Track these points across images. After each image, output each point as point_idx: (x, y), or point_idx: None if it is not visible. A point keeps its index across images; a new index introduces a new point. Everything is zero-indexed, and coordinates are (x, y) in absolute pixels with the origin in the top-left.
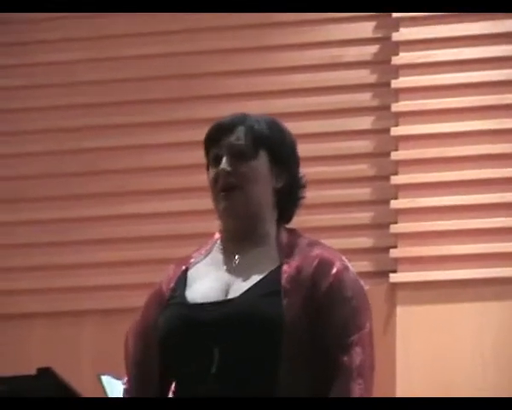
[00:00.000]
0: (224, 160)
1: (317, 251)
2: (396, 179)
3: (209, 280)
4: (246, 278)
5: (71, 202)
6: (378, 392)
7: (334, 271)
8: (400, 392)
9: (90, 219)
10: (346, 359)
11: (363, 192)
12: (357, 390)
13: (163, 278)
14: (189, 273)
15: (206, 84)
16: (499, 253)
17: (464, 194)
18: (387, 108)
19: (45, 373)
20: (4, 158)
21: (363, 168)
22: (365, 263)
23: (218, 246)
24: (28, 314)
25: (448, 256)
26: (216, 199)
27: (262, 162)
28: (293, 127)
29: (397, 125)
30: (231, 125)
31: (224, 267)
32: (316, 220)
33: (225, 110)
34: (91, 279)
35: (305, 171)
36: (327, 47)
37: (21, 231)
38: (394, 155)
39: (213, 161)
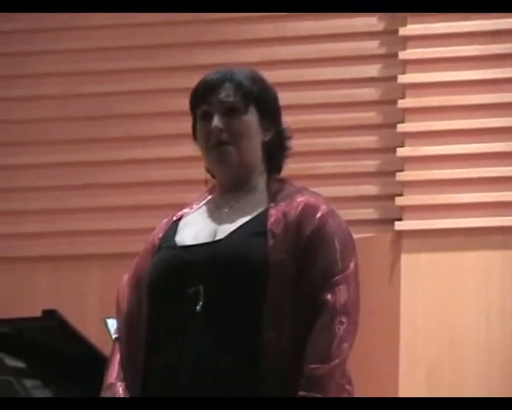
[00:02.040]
0: (216, 117)
1: (302, 197)
2: (402, 127)
3: (198, 225)
4: (234, 221)
5: (77, 145)
6: (382, 340)
7: (319, 215)
8: (404, 340)
9: (98, 164)
10: (329, 297)
11: (369, 140)
12: (341, 329)
13: (155, 231)
14: (180, 223)
15: (220, 29)
16: (505, 201)
17: (470, 142)
18: (395, 55)
19: (51, 315)
20: (10, 101)
21: (369, 116)
22: (371, 211)
23: (210, 199)
24: (34, 258)
25: (454, 205)
26: (208, 154)
27: (252, 117)
28: (300, 74)
29: (404, 73)
30: (219, 81)
31: (214, 215)
32: (322, 168)
33: (234, 53)
34: (98, 223)
35: (312, 118)
36: None
37: (27, 175)
38: (401, 103)
39: (203, 117)
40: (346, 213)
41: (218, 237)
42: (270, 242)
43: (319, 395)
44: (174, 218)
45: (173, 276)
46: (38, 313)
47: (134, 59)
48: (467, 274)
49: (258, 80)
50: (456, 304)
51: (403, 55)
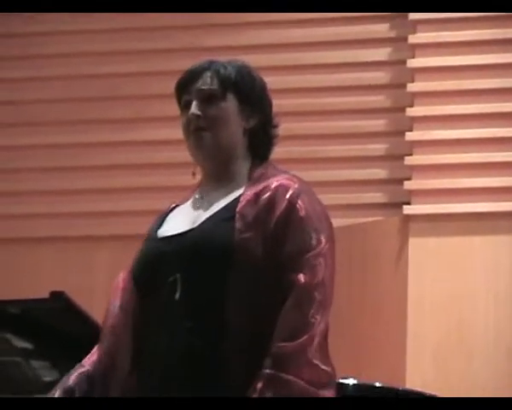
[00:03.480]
0: (194, 104)
1: (278, 178)
2: (411, 111)
3: (181, 217)
4: (209, 209)
5: (83, 126)
6: (390, 324)
7: (290, 193)
8: (412, 323)
9: (106, 145)
10: (299, 275)
11: (378, 124)
12: (312, 307)
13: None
14: (169, 215)
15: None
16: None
17: (479, 127)
18: (404, 39)
19: (58, 297)
20: (17, 82)
21: (379, 100)
22: (379, 194)
23: (197, 192)
24: (42, 239)
25: (462, 189)
26: (188, 141)
27: (230, 104)
28: (309, 57)
29: (413, 57)
30: (198, 71)
31: (196, 205)
32: (330, 151)
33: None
34: (106, 205)
35: (321, 101)
36: None
37: (35, 155)
38: (410, 87)
39: (184, 106)
40: (355, 197)
41: (194, 226)
42: (237, 224)
43: (285, 375)
44: (167, 210)
45: (153, 266)
46: (45, 294)
47: (140, 40)
48: (475, 258)
49: (241, 69)
50: (464, 288)
51: (412, 38)
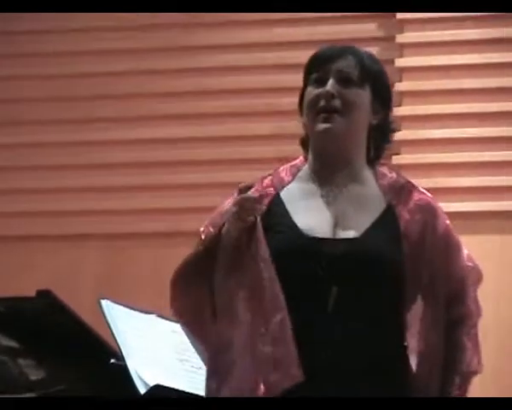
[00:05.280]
0: (330, 82)
1: (419, 194)
2: (399, 110)
3: (313, 211)
4: (356, 217)
5: (78, 125)
6: None
7: (444, 218)
8: None
9: (96, 143)
10: (469, 305)
11: None
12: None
13: (248, 199)
14: (283, 197)
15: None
16: (502, 186)
17: (468, 127)
18: (392, 38)
19: (45, 295)
20: (11, 80)
21: None
22: None
23: (307, 173)
24: (31, 237)
25: (450, 188)
26: (313, 120)
27: (366, 94)
28: (296, 57)
29: (401, 57)
30: (342, 51)
31: (324, 199)
32: None
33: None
34: (96, 203)
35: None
36: None
37: (27, 154)
38: (398, 87)
39: (315, 82)
40: None
41: (344, 233)
42: (405, 247)
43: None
44: (267, 190)
45: (304, 267)
46: (33, 293)
47: (128, 39)
48: None
49: (378, 62)
50: None
51: (400, 38)
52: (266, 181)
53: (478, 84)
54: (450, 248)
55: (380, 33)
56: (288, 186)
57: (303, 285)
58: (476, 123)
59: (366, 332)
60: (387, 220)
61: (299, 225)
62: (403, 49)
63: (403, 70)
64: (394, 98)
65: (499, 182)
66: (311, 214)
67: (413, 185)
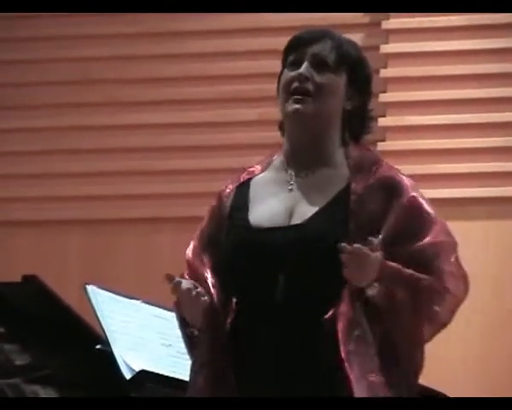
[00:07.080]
0: (305, 65)
1: (385, 170)
2: (385, 97)
3: (272, 201)
4: (312, 201)
5: (63, 109)
6: None
7: (408, 192)
8: None
9: (81, 128)
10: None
11: None
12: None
13: (222, 194)
14: (251, 190)
15: None
16: (487, 172)
17: (453, 113)
18: (378, 25)
19: (30, 281)
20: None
21: None
22: None
23: (279, 162)
24: (16, 222)
25: (435, 175)
26: (285, 101)
27: (340, 80)
28: (282, 42)
29: (387, 43)
30: (320, 35)
31: (289, 187)
32: None
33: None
34: (81, 189)
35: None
36: None
37: (12, 139)
38: (383, 73)
39: (290, 64)
40: None
41: (296, 221)
42: (353, 226)
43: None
44: (241, 179)
45: (250, 261)
46: (19, 278)
47: (120, 24)
48: None
49: (357, 48)
50: None
51: (385, 24)
52: (243, 175)
53: (463, 70)
54: (414, 221)
55: (365, 19)
56: (259, 176)
57: (251, 277)
58: (461, 109)
59: (313, 319)
60: (340, 200)
61: (250, 218)
62: (388, 35)
63: (388, 56)
64: (379, 84)
65: (486, 168)
66: (269, 204)
67: (382, 163)
